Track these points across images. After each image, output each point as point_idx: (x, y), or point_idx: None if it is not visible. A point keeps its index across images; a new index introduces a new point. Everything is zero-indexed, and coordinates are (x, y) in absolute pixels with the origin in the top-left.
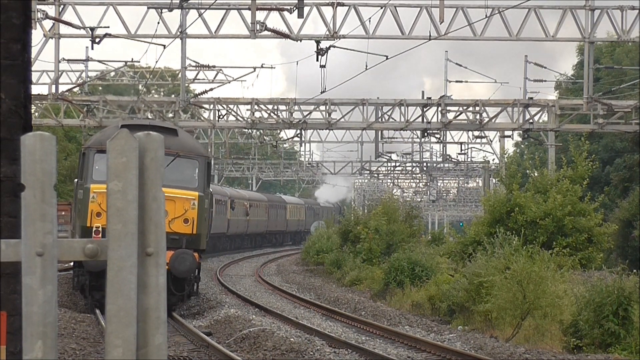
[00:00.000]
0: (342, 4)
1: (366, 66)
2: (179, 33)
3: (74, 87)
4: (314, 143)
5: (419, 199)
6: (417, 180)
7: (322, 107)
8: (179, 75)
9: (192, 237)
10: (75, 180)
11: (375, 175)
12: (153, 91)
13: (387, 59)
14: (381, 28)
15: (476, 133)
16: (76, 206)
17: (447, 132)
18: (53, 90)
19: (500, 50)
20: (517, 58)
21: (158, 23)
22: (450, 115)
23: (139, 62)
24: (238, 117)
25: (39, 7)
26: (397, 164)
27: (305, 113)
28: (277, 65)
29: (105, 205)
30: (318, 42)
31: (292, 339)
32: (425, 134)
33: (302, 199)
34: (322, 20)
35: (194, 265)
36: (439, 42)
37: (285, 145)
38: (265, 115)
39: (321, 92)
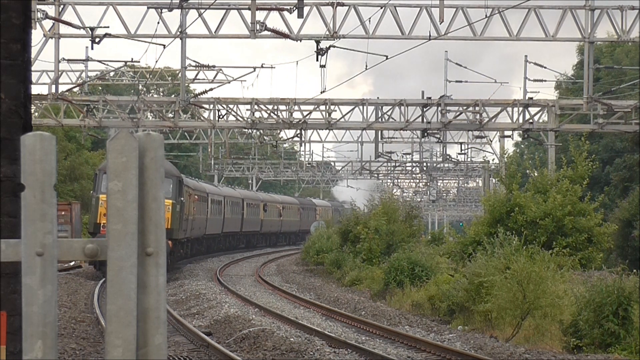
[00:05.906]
0: (342, 4)
1: (366, 66)
2: (178, 33)
3: (74, 87)
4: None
5: (419, 199)
6: (417, 180)
7: (322, 107)
8: (179, 75)
9: (167, 230)
10: (91, 192)
11: (375, 175)
12: (153, 91)
13: (387, 58)
14: (381, 28)
15: (476, 133)
16: (91, 208)
17: (447, 132)
18: (53, 90)
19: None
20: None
21: (158, 23)
22: (450, 115)
23: (139, 62)
24: (238, 117)
25: (39, 7)
26: (397, 164)
27: (305, 113)
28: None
29: None
30: (318, 42)
31: (292, 339)
32: (425, 134)
33: (329, 202)
34: (322, 20)
35: (167, 249)
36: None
37: (285, 145)
38: (265, 115)
39: (321, 92)
